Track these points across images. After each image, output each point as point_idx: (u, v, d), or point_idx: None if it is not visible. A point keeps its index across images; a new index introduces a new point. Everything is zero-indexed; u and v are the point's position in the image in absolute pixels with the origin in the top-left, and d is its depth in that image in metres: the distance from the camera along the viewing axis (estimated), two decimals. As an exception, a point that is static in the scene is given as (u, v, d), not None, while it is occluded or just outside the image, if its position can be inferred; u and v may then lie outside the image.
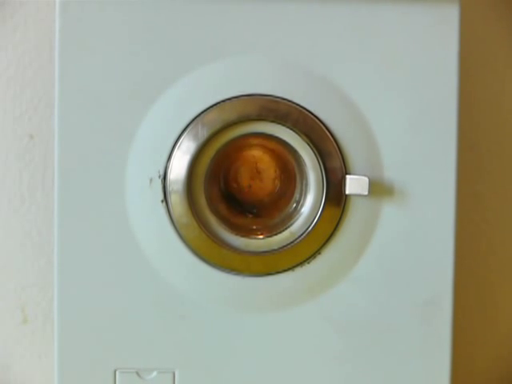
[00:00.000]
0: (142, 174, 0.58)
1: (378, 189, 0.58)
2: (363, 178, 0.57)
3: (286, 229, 0.59)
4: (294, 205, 0.60)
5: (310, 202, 0.59)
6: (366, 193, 0.57)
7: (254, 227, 0.61)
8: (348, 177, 0.58)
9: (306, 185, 0.59)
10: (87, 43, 0.58)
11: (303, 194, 0.60)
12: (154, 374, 0.60)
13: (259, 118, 0.58)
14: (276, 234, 0.59)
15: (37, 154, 0.71)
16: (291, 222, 0.60)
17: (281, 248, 0.59)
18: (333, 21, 0.58)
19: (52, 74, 0.59)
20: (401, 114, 0.58)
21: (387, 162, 0.58)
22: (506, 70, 0.72)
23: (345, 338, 0.60)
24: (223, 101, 0.58)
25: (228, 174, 0.62)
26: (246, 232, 0.60)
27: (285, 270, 0.59)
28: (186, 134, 0.58)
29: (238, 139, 0.59)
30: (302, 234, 0.59)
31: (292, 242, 0.59)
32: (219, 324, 0.59)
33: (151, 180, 0.58)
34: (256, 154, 0.62)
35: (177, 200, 0.58)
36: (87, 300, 0.59)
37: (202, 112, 0.58)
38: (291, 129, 0.58)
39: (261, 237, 0.60)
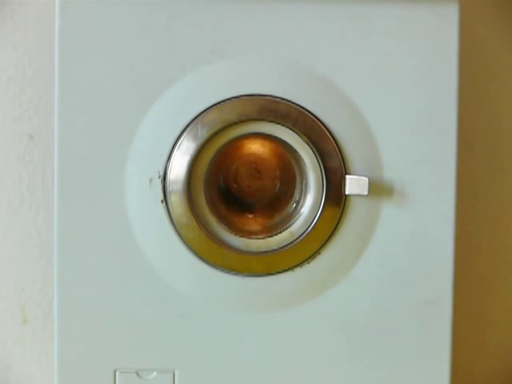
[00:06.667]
0: (141, 174, 0.58)
1: (378, 189, 0.58)
2: (363, 178, 0.57)
3: (285, 229, 0.59)
4: (294, 205, 0.61)
5: (309, 202, 0.59)
6: (366, 193, 0.57)
7: (254, 227, 0.61)
8: (348, 177, 0.58)
9: (306, 185, 0.59)
10: (87, 43, 0.58)
11: (303, 194, 0.60)
12: (154, 374, 0.60)
13: (259, 118, 0.58)
14: (276, 234, 0.59)
15: (37, 154, 0.70)
16: (291, 222, 0.60)
17: (281, 248, 0.59)
18: (333, 21, 0.58)
19: (52, 74, 0.59)
20: (401, 114, 0.58)
21: (387, 162, 0.59)
22: (506, 70, 0.72)
23: (345, 338, 0.60)
24: (223, 101, 0.58)
25: (228, 174, 0.62)
26: (245, 232, 0.60)
27: (285, 270, 0.59)
28: (185, 134, 0.58)
29: (238, 139, 0.59)
30: (301, 234, 0.59)
31: (292, 242, 0.59)
32: (219, 324, 0.59)
33: (151, 180, 0.58)
34: (256, 154, 0.62)
35: (177, 200, 0.58)
36: (87, 300, 0.59)
37: (202, 112, 0.58)
38: (291, 129, 0.58)
39: (261, 237, 0.60)
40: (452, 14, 0.58)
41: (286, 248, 0.59)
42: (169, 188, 0.58)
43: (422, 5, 0.58)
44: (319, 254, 0.59)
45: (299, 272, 0.59)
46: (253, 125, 0.58)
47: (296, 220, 0.59)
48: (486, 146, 0.72)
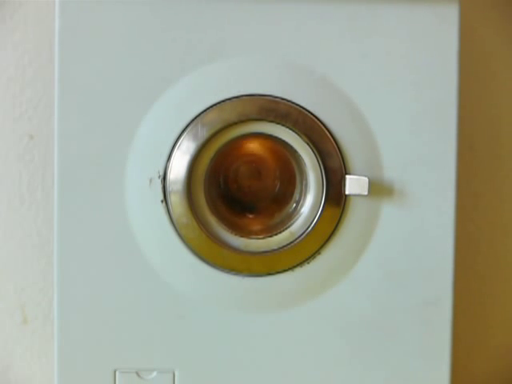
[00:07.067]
0: (141, 174, 0.58)
1: (378, 189, 0.58)
2: (363, 178, 0.57)
3: (285, 229, 0.59)
4: (294, 205, 0.61)
5: (309, 202, 0.59)
6: (366, 193, 0.57)
7: (254, 227, 0.61)
8: (348, 177, 0.58)
9: (306, 185, 0.59)
10: (87, 43, 0.58)
11: (303, 194, 0.60)
12: (154, 374, 0.60)
13: (259, 118, 0.58)
14: (276, 234, 0.59)
15: (37, 153, 0.70)
16: (291, 222, 0.60)
17: (281, 248, 0.59)
18: (333, 21, 0.58)
19: (52, 74, 0.59)
20: (401, 113, 0.58)
21: (387, 162, 0.59)
22: (506, 70, 0.72)
23: (345, 338, 0.60)
24: (223, 101, 0.58)
25: (228, 174, 0.62)
26: (245, 232, 0.60)
27: (285, 270, 0.59)
28: (185, 134, 0.58)
29: (238, 139, 0.59)
30: (301, 234, 0.59)
31: (292, 242, 0.59)
32: (219, 324, 0.59)
33: (151, 180, 0.58)
34: (256, 154, 0.62)
35: (177, 200, 0.58)
36: (87, 300, 0.59)
37: (202, 112, 0.58)
38: (291, 129, 0.58)
39: (261, 237, 0.60)
40: (452, 14, 0.58)
41: (285, 248, 0.59)
42: (169, 188, 0.58)
43: (422, 5, 0.58)
44: (319, 253, 0.59)
45: (299, 272, 0.59)
46: (253, 125, 0.58)
47: (296, 220, 0.59)
48: (486, 146, 0.72)
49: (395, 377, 0.60)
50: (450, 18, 0.58)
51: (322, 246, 0.59)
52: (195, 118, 0.58)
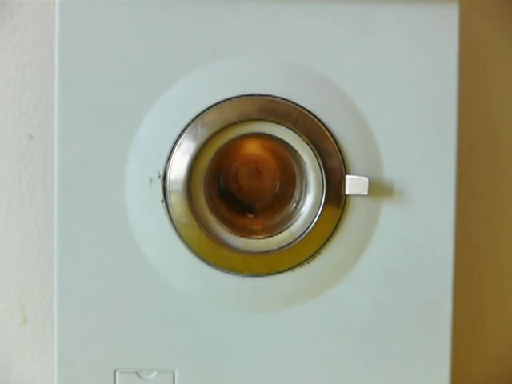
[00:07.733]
0: (141, 174, 0.58)
1: (378, 189, 0.58)
2: (363, 178, 0.57)
3: (285, 229, 0.59)
4: (294, 205, 0.61)
5: (309, 202, 0.59)
6: (366, 193, 0.57)
7: (254, 227, 0.61)
8: (348, 177, 0.58)
9: (306, 185, 0.59)
10: (87, 43, 0.58)
11: (303, 194, 0.60)
12: (154, 374, 0.60)
13: (259, 118, 0.58)
14: (276, 234, 0.59)
15: (37, 154, 0.70)
16: (291, 222, 0.60)
17: (281, 248, 0.59)
18: (333, 21, 0.58)
19: (52, 74, 0.59)
20: (401, 113, 0.58)
21: (387, 162, 0.59)
22: (506, 70, 0.72)
23: (345, 338, 0.60)
24: (223, 101, 0.58)
25: (228, 173, 0.62)
26: (245, 232, 0.60)
27: (285, 270, 0.59)
28: (185, 134, 0.58)
29: (238, 139, 0.59)
30: (301, 234, 0.59)
31: (292, 242, 0.59)
32: (219, 324, 0.59)
33: (151, 180, 0.58)
34: (256, 154, 0.62)
35: (177, 200, 0.58)
36: (87, 300, 0.59)
37: (202, 112, 0.58)
38: (291, 129, 0.58)
39: (261, 237, 0.60)
40: (452, 13, 0.58)
41: (285, 248, 0.59)
42: (169, 188, 0.58)
43: (422, 5, 0.58)
44: (319, 253, 0.59)
45: (299, 272, 0.59)
46: (253, 125, 0.58)
47: (296, 220, 0.59)
48: (486, 146, 0.72)
49: (395, 377, 0.60)
50: (450, 17, 0.58)
51: (322, 246, 0.59)
52: (195, 118, 0.58)
